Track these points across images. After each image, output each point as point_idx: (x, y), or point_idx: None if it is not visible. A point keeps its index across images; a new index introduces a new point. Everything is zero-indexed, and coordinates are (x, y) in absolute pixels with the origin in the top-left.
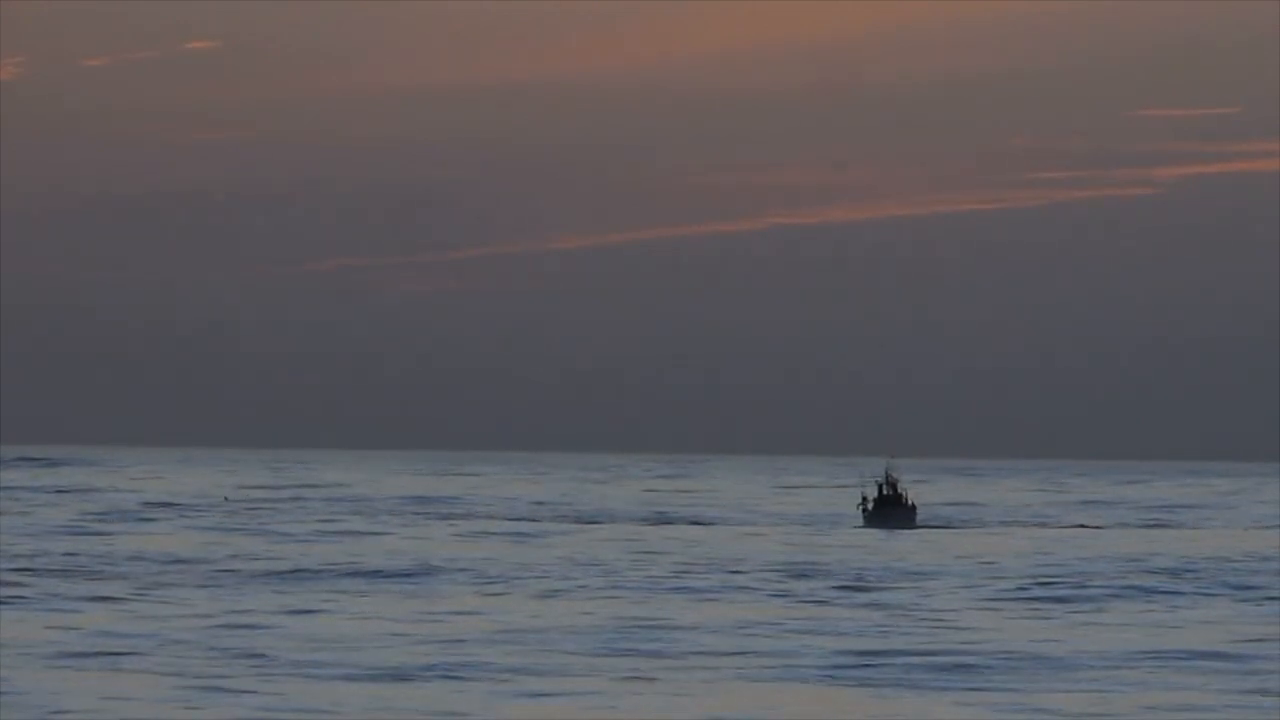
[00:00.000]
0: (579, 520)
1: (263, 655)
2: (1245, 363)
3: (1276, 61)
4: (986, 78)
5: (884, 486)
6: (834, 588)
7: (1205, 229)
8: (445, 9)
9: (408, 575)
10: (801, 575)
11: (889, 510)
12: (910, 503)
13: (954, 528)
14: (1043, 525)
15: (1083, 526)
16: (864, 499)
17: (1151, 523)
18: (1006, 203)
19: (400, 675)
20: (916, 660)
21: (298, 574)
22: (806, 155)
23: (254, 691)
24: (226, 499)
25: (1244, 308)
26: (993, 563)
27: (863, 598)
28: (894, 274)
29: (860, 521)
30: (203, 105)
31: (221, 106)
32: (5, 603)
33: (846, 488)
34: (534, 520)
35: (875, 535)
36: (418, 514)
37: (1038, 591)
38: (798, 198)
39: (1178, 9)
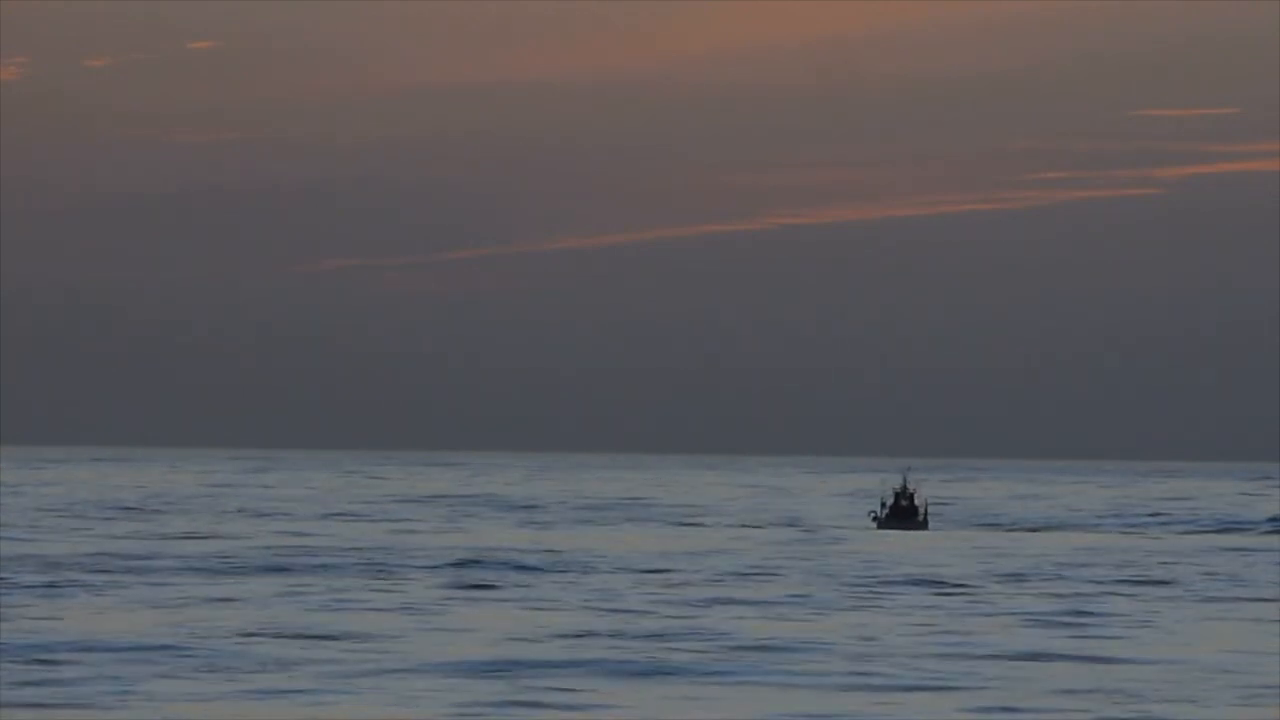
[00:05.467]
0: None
1: None
2: (1246, 361)
3: (1276, 61)
4: (986, 78)
5: (900, 495)
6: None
7: (1205, 229)
8: (445, 9)
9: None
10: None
11: (899, 521)
12: (923, 514)
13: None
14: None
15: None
16: (881, 504)
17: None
18: (1006, 203)
19: None
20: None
21: None
22: (806, 155)
23: None
24: None
25: (1244, 306)
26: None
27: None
28: (894, 274)
29: (872, 527)
30: (203, 105)
31: (221, 106)
32: None
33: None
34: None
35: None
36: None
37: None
38: (798, 198)
39: (1178, 9)
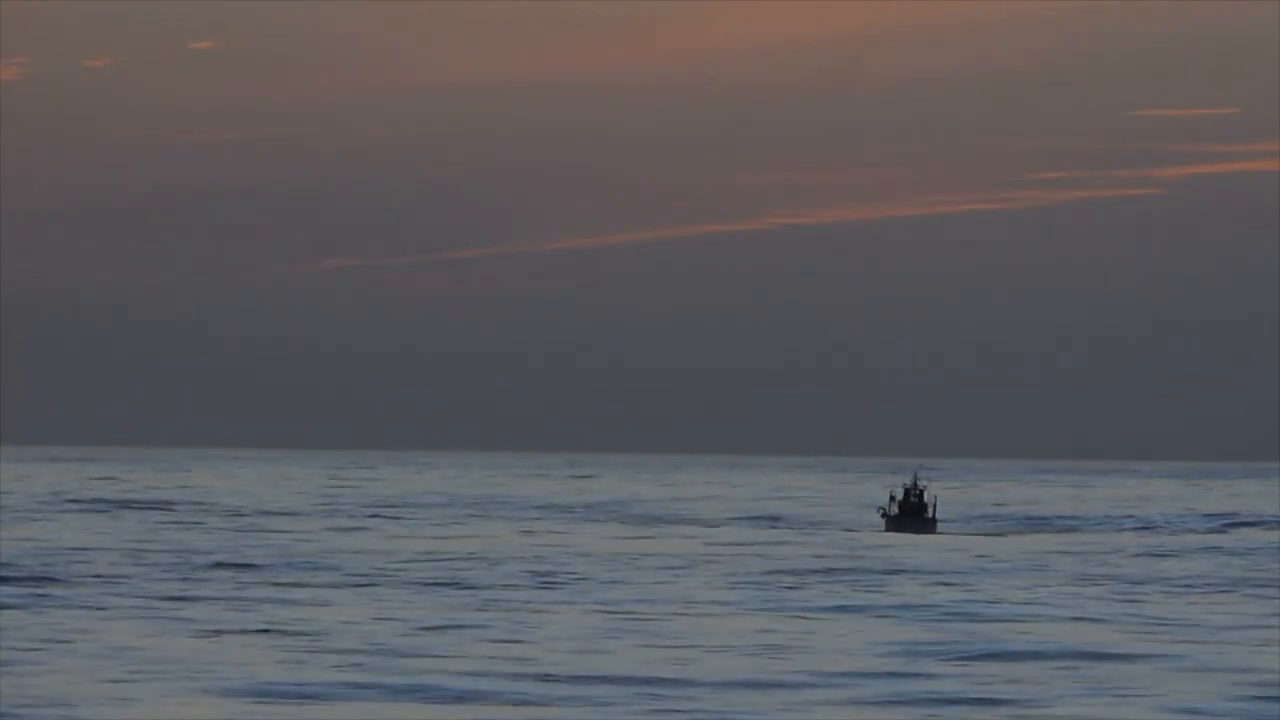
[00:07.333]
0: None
1: None
2: (1246, 361)
3: (1276, 61)
4: (986, 78)
5: (910, 493)
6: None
7: (1206, 229)
8: (445, 9)
9: None
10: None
11: (908, 520)
12: (932, 512)
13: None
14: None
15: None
16: (890, 499)
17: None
18: (1006, 203)
19: None
20: None
21: None
22: (806, 155)
23: None
24: None
25: (1244, 306)
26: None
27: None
28: (894, 274)
29: (880, 527)
30: (203, 105)
31: (221, 106)
32: None
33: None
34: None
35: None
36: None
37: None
38: (798, 198)
39: (1178, 9)
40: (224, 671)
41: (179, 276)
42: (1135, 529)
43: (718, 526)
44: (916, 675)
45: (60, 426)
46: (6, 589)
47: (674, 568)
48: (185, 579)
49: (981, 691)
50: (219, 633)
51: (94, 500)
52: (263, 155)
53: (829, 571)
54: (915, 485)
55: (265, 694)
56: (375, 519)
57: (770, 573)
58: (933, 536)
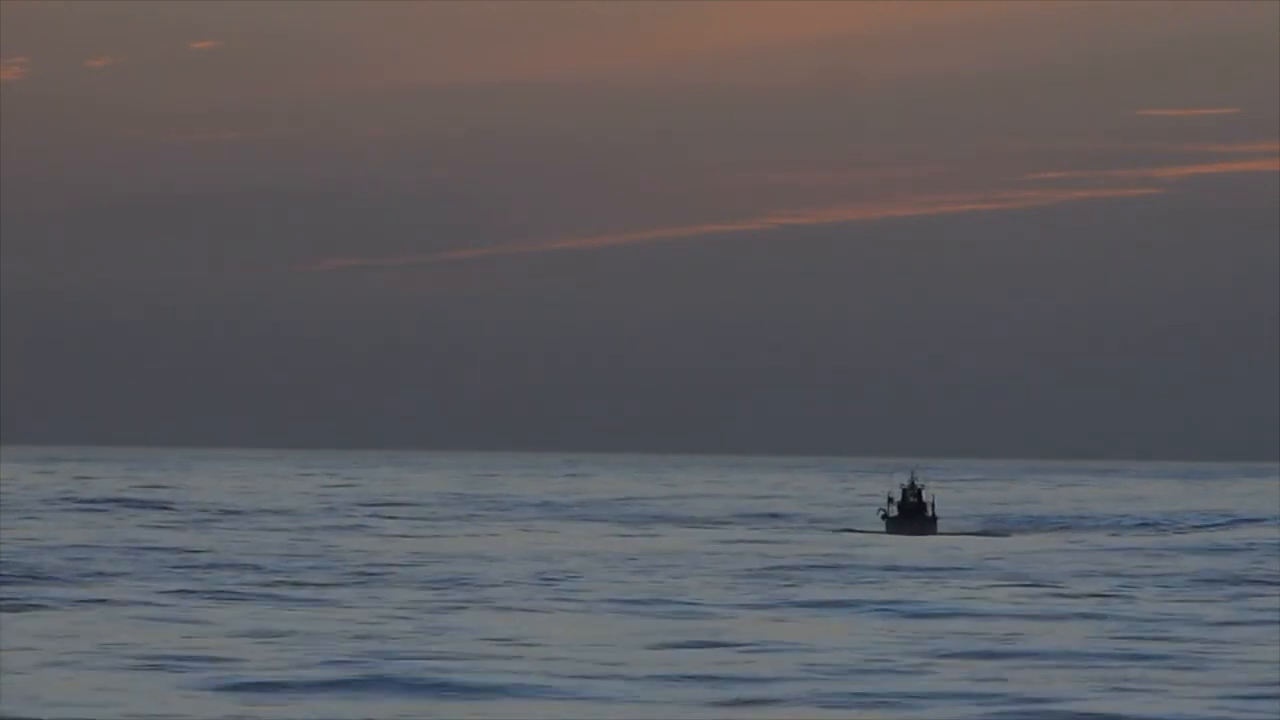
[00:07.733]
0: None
1: None
2: (1246, 361)
3: (1276, 61)
4: (986, 78)
5: (908, 493)
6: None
7: (1206, 229)
8: (445, 9)
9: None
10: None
11: (908, 520)
12: (932, 513)
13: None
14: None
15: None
16: (889, 500)
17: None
18: (1006, 203)
19: None
20: None
21: None
22: (806, 155)
23: None
24: None
25: (1244, 306)
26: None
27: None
28: (894, 274)
29: (881, 528)
30: (203, 105)
31: (221, 106)
32: None
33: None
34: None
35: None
36: None
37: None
38: (798, 198)
39: (1178, 9)
40: (222, 669)
41: (179, 276)
42: (1134, 528)
43: (716, 525)
44: (915, 673)
45: (60, 426)
46: (5, 588)
47: (673, 566)
48: (184, 578)
49: (980, 689)
50: (218, 631)
51: (94, 500)
52: (263, 155)
53: (828, 569)
54: (913, 485)
55: (263, 692)
56: (374, 518)
57: (769, 570)
58: (933, 537)
